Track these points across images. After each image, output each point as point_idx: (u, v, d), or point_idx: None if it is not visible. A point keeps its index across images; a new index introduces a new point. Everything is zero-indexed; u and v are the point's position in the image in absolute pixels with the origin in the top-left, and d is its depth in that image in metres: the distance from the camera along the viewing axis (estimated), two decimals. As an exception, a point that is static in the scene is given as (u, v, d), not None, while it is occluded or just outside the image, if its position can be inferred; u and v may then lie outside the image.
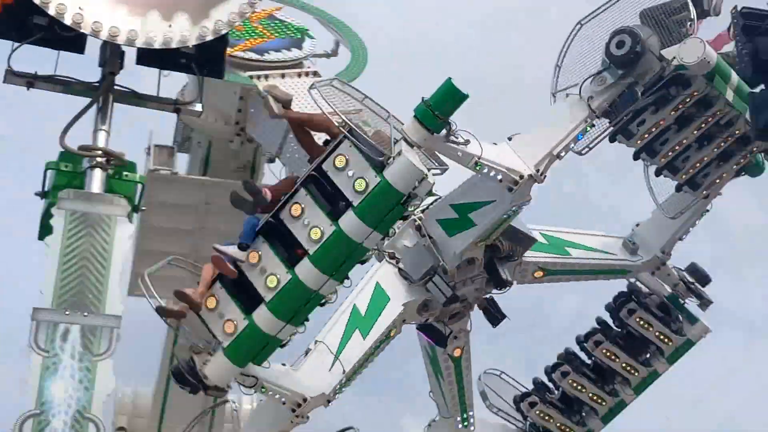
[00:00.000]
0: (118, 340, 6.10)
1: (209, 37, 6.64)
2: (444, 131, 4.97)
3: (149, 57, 6.63)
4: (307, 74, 8.64)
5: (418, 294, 5.99)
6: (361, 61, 9.25)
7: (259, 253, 4.90)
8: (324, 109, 4.88)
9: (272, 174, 9.05)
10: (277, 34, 8.77)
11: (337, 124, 4.93)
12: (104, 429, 5.98)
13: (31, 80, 6.49)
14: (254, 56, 8.36)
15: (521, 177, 5.54)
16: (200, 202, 9.10)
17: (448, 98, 4.87)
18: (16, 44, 6.51)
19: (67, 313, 5.97)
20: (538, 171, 5.69)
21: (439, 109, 4.83)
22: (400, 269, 5.97)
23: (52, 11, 6.25)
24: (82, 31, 6.33)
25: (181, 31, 6.61)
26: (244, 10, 6.69)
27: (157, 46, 6.49)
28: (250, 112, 8.83)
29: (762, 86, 7.39)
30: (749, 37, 7.31)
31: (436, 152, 5.22)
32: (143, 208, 6.77)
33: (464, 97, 4.88)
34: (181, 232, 9.18)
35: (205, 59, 6.79)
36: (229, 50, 7.40)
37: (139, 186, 6.52)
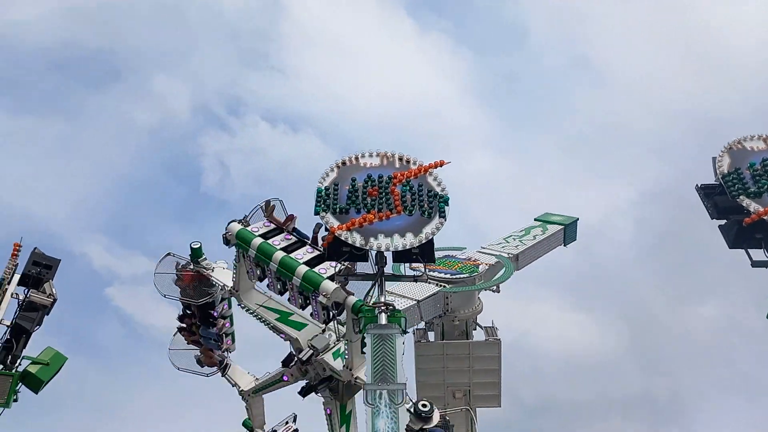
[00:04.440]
0: (406, 395, 11.91)
1: (424, 241, 13.13)
2: None
3: (398, 255, 13.28)
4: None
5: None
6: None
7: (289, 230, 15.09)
8: None
9: (482, 329, 17.42)
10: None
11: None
12: None
13: (346, 276, 13.34)
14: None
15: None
16: (442, 353, 17.24)
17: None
18: (337, 262, 13.48)
19: (380, 384, 11.45)
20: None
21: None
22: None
23: (353, 243, 13.17)
24: (367, 249, 13.21)
25: (410, 240, 13.19)
26: (438, 226, 13.31)
27: (400, 249, 13.07)
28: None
29: (725, 221, 13.22)
30: (709, 198, 13.40)
31: None
32: (407, 332, 12.96)
33: None
34: (437, 371, 17.41)
35: (424, 252, 13.20)
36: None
37: (404, 319, 12.78)
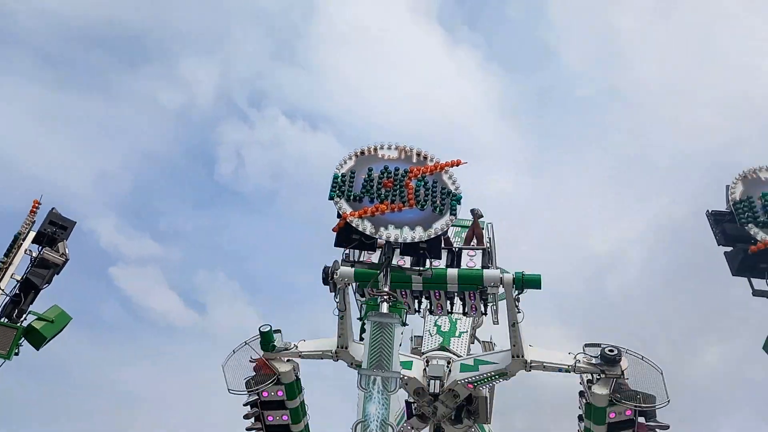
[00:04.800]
0: (399, 383, 12.10)
1: (432, 236, 13.33)
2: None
3: (405, 248, 13.50)
4: None
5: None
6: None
7: None
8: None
9: (479, 343, 17.26)
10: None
11: None
12: (396, 429, 11.70)
13: (353, 264, 13.57)
14: None
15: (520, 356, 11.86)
16: None
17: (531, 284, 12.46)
18: (345, 248, 13.70)
19: (374, 370, 11.72)
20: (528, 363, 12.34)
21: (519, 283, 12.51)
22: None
23: (363, 230, 13.41)
24: (376, 237, 13.44)
25: (420, 234, 13.34)
26: (449, 222, 13.54)
27: (408, 241, 13.32)
28: None
29: (731, 248, 13.32)
30: (719, 224, 13.52)
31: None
32: (406, 324, 13.13)
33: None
34: None
35: (432, 248, 13.43)
36: None
37: (404, 311, 12.98)
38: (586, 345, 13.46)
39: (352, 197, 13.49)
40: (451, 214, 13.42)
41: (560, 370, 12.47)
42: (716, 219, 13.74)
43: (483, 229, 14.02)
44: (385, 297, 12.96)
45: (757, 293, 13.22)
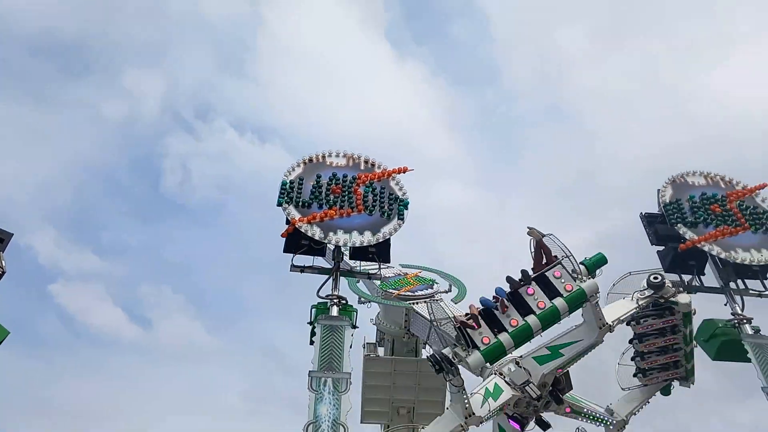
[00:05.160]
0: (350, 384, 12.16)
1: (381, 240, 13.58)
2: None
3: (354, 252, 13.75)
4: (437, 299, 14.57)
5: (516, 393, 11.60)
6: (462, 290, 15.49)
7: (507, 307, 10.93)
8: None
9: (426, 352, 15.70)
10: (423, 283, 14.91)
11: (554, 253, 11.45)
12: (347, 428, 11.62)
13: (302, 269, 13.68)
14: (410, 294, 14.45)
15: (605, 325, 11.54)
16: (391, 371, 16.38)
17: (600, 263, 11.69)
18: (294, 254, 13.74)
19: (325, 372, 11.68)
20: (611, 325, 11.73)
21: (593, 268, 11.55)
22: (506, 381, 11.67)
23: (312, 235, 13.56)
24: (325, 242, 13.62)
25: (368, 238, 13.71)
26: (396, 227, 13.81)
27: (357, 245, 13.55)
28: (411, 321, 14.85)
29: (663, 247, 14.03)
30: (651, 225, 14.23)
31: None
32: (356, 326, 13.16)
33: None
34: (385, 387, 16.56)
35: (380, 252, 13.70)
36: (396, 292, 14.18)
37: (355, 313, 13.15)
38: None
39: (300, 203, 13.73)
40: (398, 219, 13.87)
41: (633, 316, 12.31)
42: (649, 221, 14.50)
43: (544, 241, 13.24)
44: (335, 300, 13.13)
45: (688, 289, 13.93)
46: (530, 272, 11.52)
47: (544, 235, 11.97)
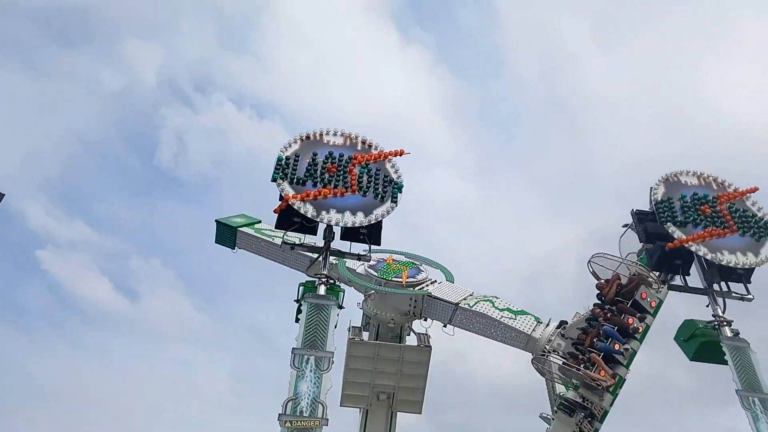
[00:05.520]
0: (333, 363, 12.28)
1: (373, 222, 13.45)
2: None
3: (346, 233, 13.79)
4: (433, 283, 15.90)
5: None
6: (448, 275, 16.45)
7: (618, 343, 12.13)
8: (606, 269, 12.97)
9: (415, 335, 16.51)
10: (410, 267, 15.94)
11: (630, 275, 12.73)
12: (326, 407, 11.78)
13: (293, 246, 13.74)
14: (414, 280, 15.53)
15: None
16: (374, 355, 16.20)
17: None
18: (285, 231, 13.79)
19: (308, 350, 11.81)
20: None
21: None
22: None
23: (305, 213, 13.60)
24: (318, 221, 13.67)
25: (360, 219, 13.66)
26: (389, 209, 13.86)
27: (349, 225, 13.60)
28: (425, 307, 15.57)
29: (652, 245, 14.09)
30: (642, 222, 14.31)
31: None
32: (343, 306, 13.31)
33: None
34: (366, 371, 16.33)
35: (371, 234, 13.76)
36: (402, 279, 15.23)
37: (342, 293, 13.27)
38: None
39: (295, 180, 13.72)
40: (392, 202, 13.88)
41: None
42: (639, 218, 14.58)
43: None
44: (323, 279, 13.22)
45: (672, 288, 14.12)
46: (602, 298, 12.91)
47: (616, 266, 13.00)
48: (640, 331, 12.38)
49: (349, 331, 17.22)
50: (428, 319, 15.98)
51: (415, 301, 15.29)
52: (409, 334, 18.21)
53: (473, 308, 14.91)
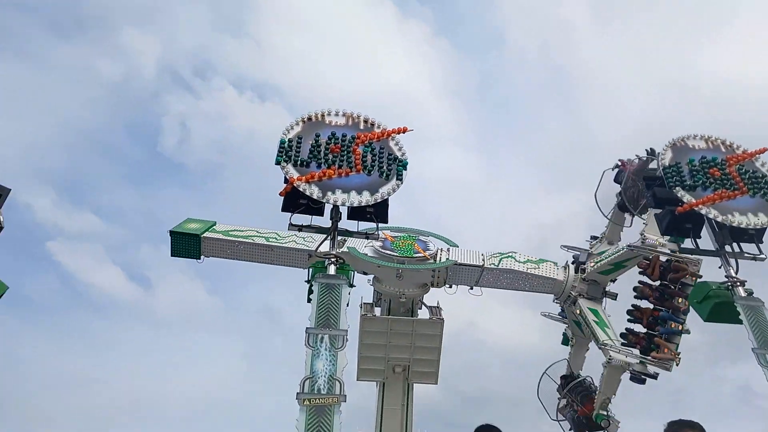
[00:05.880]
0: (347, 341, 12.33)
1: (379, 200, 13.58)
2: None
3: (353, 212, 13.79)
4: (445, 251, 15.61)
5: None
6: (450, 242, 16.20)
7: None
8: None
9: (427, 308, 16.45)
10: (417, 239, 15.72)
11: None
12: (343, 384, 11.89)
13: (300, 228, 13.71)
14: (430, 252, 15.34)
15: None
16: (387, 330, 16.15)
17: None
18: (292, 213, 13.68)
19: (322, 329, 11.86)
20: None
21: None
22: None
23: (311, 195, 13.58)
24: (324, 202, 13.64)
25: (366, 198, 13.73)
26: (395, 187, 13.85)
27: (356, 205, 13.64)
28: (447, 274, 15.47)
29: (660, 210, 14.05)
30: (650, 188, 14.24)
31: None
32: (353, 285, 13.35)
33: None
34: (381, 346, 16.26)
35: (378, 212, 13.70)
36: (423, 253, 15.05)
37: (352, 273, 13.29)
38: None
39: (299, 162, 13.68)
40: (397, 179, 13.87)
41: None
42: (648, 183, 14.48)
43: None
44: (332, 259, 13.23)
45: (684, 251, 14.03)
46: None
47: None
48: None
49: (361, 307, 17.29)
50: (453, 286, 16.08)
51: (438, 271, 15.31)
52: (420, 308, 18.27)
53: (499, 266, 15.33)
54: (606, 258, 14.91)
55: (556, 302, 16.43)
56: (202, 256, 14.71)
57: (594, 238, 16.82)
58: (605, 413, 13.64)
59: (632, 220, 15.63)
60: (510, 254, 15.80)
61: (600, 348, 13.61)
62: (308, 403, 11.03)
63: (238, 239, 14.84)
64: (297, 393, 11.13)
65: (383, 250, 16.14)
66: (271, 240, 14.75)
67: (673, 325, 12.84)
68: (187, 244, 14.67)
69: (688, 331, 13.04)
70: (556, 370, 16.82)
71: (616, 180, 15.78)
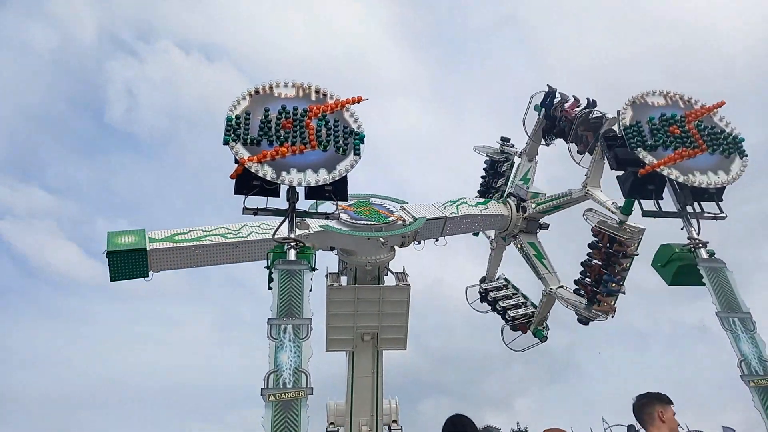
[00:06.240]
0: (311, 330, 11.91)
1: (337, 178, 12.73)
2: None
3: (310, 192, 13.05)
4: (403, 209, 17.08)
5: None
6: (400, 201, 17.53)
7: None
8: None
9: (393, 274, 17.42)
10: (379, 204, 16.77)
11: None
12: (309, 376, 11.55)
13: (255, 212, 12.92)
14: (397, 215, 16.57)
15: None
16: (354, 299, 16.80)
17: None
18: (246, 195, 12.81)
19: (285, 319, 11.36)
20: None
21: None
22: None
23: (264, 176, 12.76)
24: (278, 183, 12.85)
25: (324, 176, 13.05)
26: (353, 163, 13.14)
27: (312, 184, 12.90)
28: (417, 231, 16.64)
29: (623, 172, 13.87)
30: (611, 149, 13.98)
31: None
32: (316, 268, 12.80)
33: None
34: (348, 315, 17.01)
35: (337, 190, 13.01)
36: (396, 215, 16.41)
37: (313, 256, 12.68)
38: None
39: (249, 141, 12.76)
40: (354, 154, 13.14)
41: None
42: (608, 144, 14.20)
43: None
44: (291, 243, 12.61)
45: (646, 214, 13.96)
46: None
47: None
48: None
49: (326, 278, 17.07)
50: (421, 242, 17.19)
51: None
52: (386, 275, 18.14)
53: (459, 214, 17.07)
54: (549, 201, 17.69)
55: (501, 236, 18.95)
56: (150, 272, 13.11)
57: (504, 139, 19.62)
58: (542, 328, 17.80)
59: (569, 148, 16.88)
60: (461, 200, 17.49)
61: (539, 279, 17.47)
62: (273, 398, 10.60)
63: (192, 243, 13.74)
64: (261, 389, 10.67)
65: (355, 221, 15.87)
66: (229, 237, 13.98)
67: (612, 285, 15.27)
68: (131, 262, 12.96)
69: (623, 292, 15.49)
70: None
71: (542, 104, 17.53)
